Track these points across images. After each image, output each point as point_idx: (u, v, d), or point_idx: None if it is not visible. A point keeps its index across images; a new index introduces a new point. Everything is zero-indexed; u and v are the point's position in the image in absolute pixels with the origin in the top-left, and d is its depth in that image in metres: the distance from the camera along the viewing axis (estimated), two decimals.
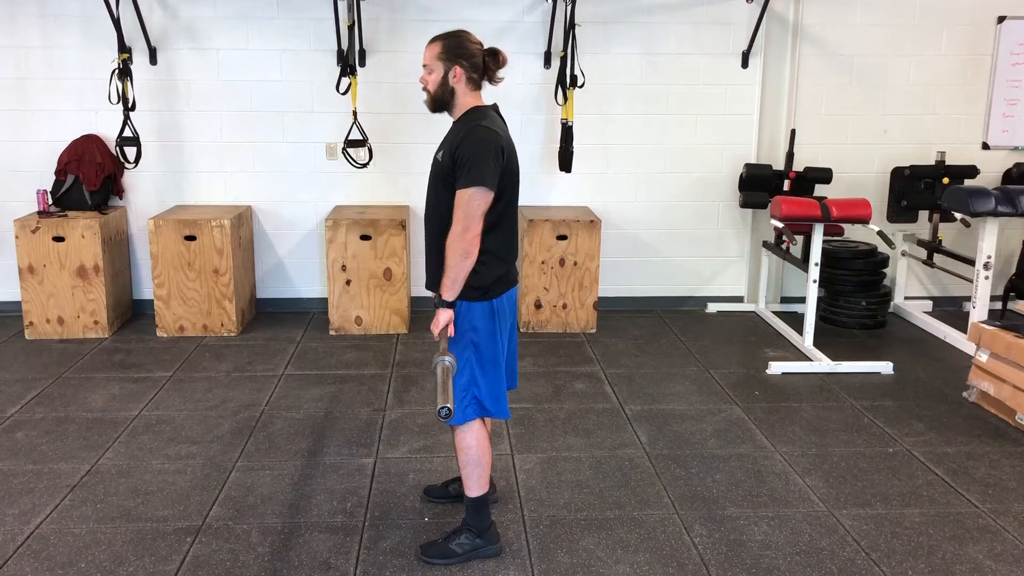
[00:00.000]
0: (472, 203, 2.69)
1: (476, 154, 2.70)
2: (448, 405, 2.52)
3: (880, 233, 5.14)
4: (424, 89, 2.91)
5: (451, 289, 2.75)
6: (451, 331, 2.80)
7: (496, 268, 2.84)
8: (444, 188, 2.79)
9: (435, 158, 2.87)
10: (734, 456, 3.78)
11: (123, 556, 2.96)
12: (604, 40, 5.68)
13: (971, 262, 5.26)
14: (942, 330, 5.52)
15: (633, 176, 5.93)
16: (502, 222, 2.84)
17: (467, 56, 2.82)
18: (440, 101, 2.88)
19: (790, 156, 5.74)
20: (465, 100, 2.86)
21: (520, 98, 5.74)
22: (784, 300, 6.18)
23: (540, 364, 4.93)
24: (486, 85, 2.94)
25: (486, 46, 2.89)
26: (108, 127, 5.50)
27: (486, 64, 2.86)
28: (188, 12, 5.49)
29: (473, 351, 2.86)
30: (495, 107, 2.93)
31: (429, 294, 2.91)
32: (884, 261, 5.73)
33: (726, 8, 5.71)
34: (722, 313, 6.06)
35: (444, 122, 5.48)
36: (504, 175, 2.77)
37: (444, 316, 2.77)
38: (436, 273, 2.82)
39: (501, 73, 2.90)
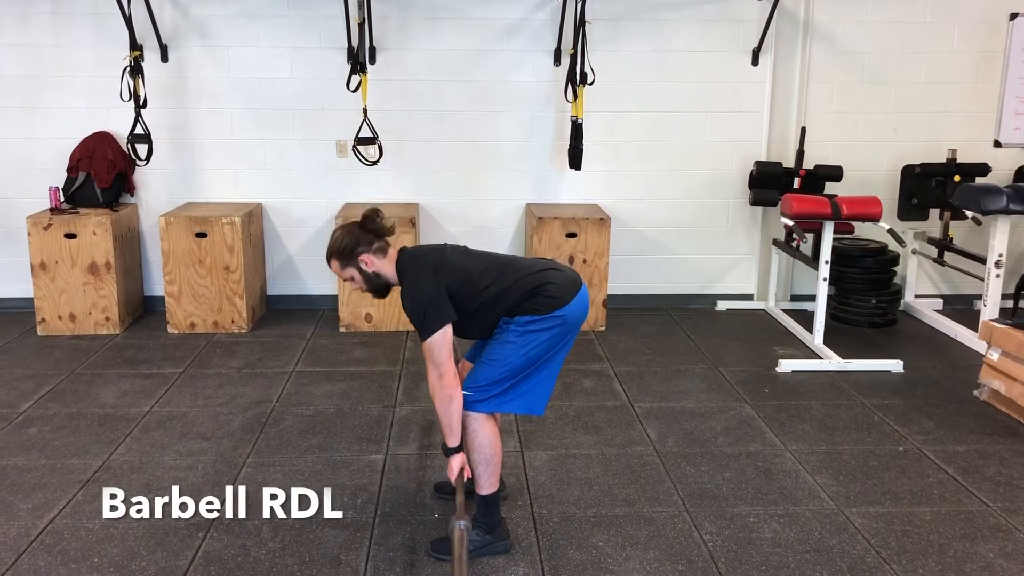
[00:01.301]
0: (434, 351, 2.80)
1: (415, 307, 2.83)
2: None
3: (891, 231, 5.12)
4: (363, 291, 3.04)
5: (451, 436, 2.87)
6: (467, 473, 2.90)
7: (542, 291, 2.88)
8: None
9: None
10: (744, 454, 3.78)
11: (135, 550, 2.98)
12: (614, 37, 5.68)
13: (982, 260, 5.24)
14: (953, 328, 5.50)
15: (643, 174, 5.92)
16: (493, 291, 2.88)
17: (356, 243, 2.95)
18: (380, 288, 3.03)
19: (800, 154, 5.73)
20: (388, 269, 2.97)
21: (530, 96, 5.74)
22: (794, 298, 6.17)
23: None
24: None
25: (362, 214, 2.98)
26: (119, 124, 5.52)
27: (372, 231, 2.95)
28: (199, 10, 5.51)
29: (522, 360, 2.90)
30: (400, 252, 3.00)
31: None
32: (895, 259, 5.71)
33: (736, 5, 5.69)
34: (732, 311, 6.05)
35: (453, 118, 5.50)
36: (453, 291, 2.83)
37: (456, 463, 2.89)
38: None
39: (388, 222, 2.99)
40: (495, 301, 2.88)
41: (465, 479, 2.92)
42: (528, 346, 2.86)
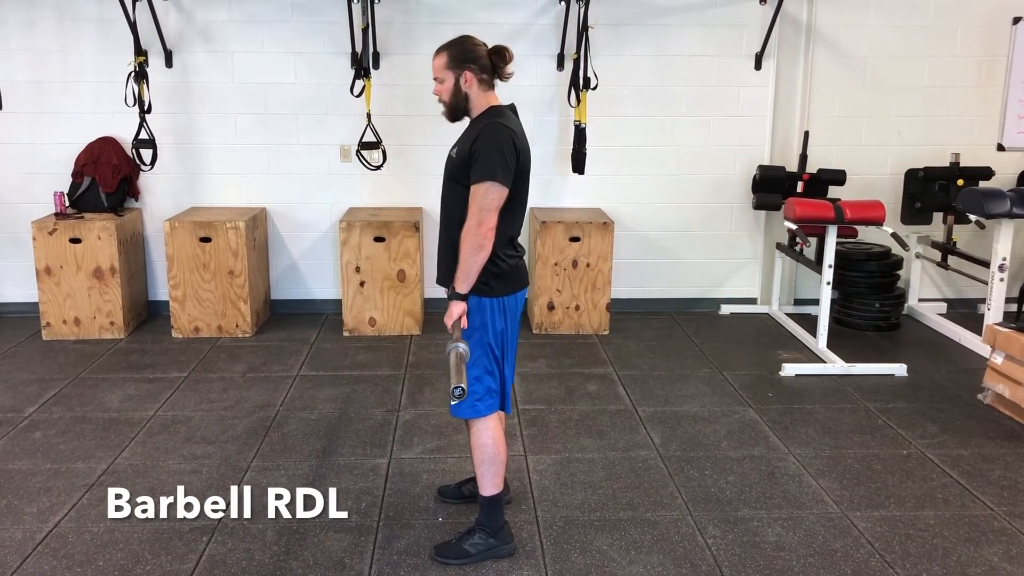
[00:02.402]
0: (487, 197, 2.71)
1: (492, 150, 2.73)
2: (462, 385, 2.57)
3: (894, 235, 5.12)
4: (440, 101, 2.94)
5: (464, 281, 2.77)
6: (464, 322, 2.82)
7: (509, 265, 2.88)
8: (458, 184, 2.82)
9: (449, 155, 2.90)
10: (748, 458, 3.78)
11: (140, 554, 2.99)
12: (617, 42, 5.69)
13: (986, 264, 5.24)
14: (957, 332, 5.50)
15: (646, 178, 5.93)
16: (504, 219, 2.84)
17: (474, 59, 2.85)
18: (457, 108, 2.92)
19: (803, 158, 5.73)
20: (480, 101, 2.89)
21: (533, 100, 5.75)
22: (797, 302, 6.16)
23: (553, 365, 4.94)
24: (498, 83, 2.95)
25: (492, 46, 2.89)
26: (124, 129, 5.54)
27: (494, 63, 2.88)
28: (203, 16, 5.53)
29: (486, 345, 2.89)
30: (512, 107, 2.96)
31: (442, 293, 2.92)
32: (898, 263, 5.71)
33: (739, 10, 5.70)
34: (735, 315, 6.05)
35: (459, 124, 5.44)
36: (516, 174, 2.79)
37: (457, 308, 2.80)
38: (449, 269, 2.85)
39: (510, 69, 2.91)
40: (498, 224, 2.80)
41: (463, 325, 2.82)
42: (481, 334, 2.86)
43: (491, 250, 2.77)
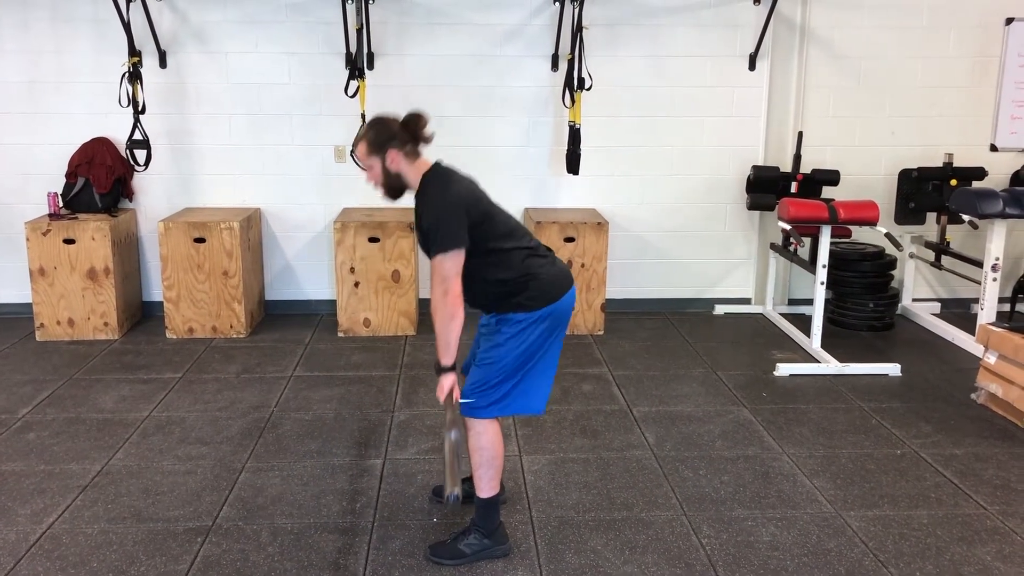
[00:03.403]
0: (444, 268, 2.75)
1: (435, 223, 2.78)
2: (457, 492, 2.62)
3: (888, 235, 5.14)
4: (376, 187, 2.97)
5: (446, 353, 2.81)
6: (456, 395, 2.85)
7: (537, 280, 2.87)
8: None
9: (416, 225, 2.94)
10: (742, 458, 3.79)
11: (134, 556, 2.98)
12: (611, 43, 5.70)
13: (979, 264, 5.25)
14: (950, 332, 5.51)
15: (640, 178, 5.93)
16: (505, 245, 2.86)
17: (392, 137, 2.87)
18: (394, 188, 2.95)
19: (797, 158, 5.75)
20: (413, 173, 2.90)
21: (528, 101, 5.75)
22: (791, 302, 6.18)
23: None
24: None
25: (403, 117, 2.91)
26: (118, 130, 5.53)
27: (412, 133, 2.90)
28: (197, 16, 5.53)
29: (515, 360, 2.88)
30: (437, 164, 2.95)
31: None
32: (892, 263, 5.72)
33: (733, 10, 5.71)
34: (729, 315, 6.06)
35: (451, 123, 5.51)
36: (475, 221, 2.80)
37: (447, 382, 2.83)
38: (476, 295, 2.90)
39: (428, 131, 2.93)
40: (498, 261, 2.83)
41: (455, 400, 2.85)
42: (522, 345, 2.85)
43: (502, 279, 2.82)
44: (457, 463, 2.72)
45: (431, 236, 2.77)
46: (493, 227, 2.86)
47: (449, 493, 2.66)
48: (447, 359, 2.81)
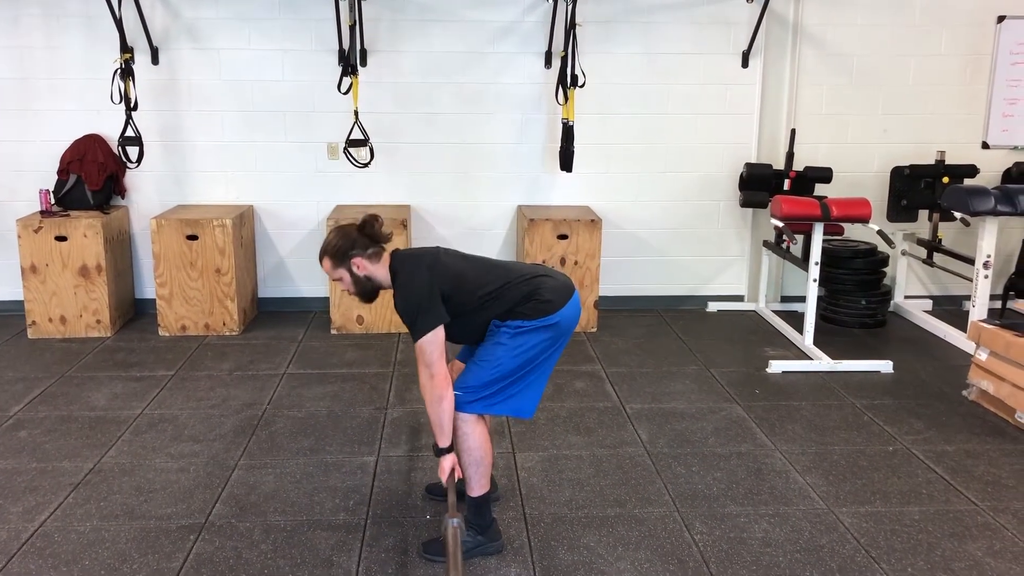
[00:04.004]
0: (426, 351, 2.80)
1: (408, 308, 2.84)
2: None
3: (880, 232, 5.15)
4: (351, 295, 3.04)
5: (442, 436, 2.86)
6: (458, 473, 2.90)
7: (534, 296, 2.89)
8: None
9: None
10: (734, 454, 3.80)
11: (127, 553, 2.98)
12: (605, 40, 5.70)
13: (971, 261, 5.27)
14: (942, 329, 5.53)
15: (634, 175, 5.94)
16: (488, 290, 2.89)
17: (352, 246, 2.94)
18: (367, 292, 3.01)
19: (790, 155, 5.76)
20: (381, 273, 2.96)
21: (521, 98, 5.75)
22: (784, 299, 6.19)
23: None
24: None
25: (358, 223, 2.96)
26: (110, 127, 5.52)
27: (370, 236, 2.95)
28: (190, 12, 5.51)
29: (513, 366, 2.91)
30: (394, 253, 2.99)
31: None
32: (884, 260, 5.74)
33: (726, 8, 5.72)
34: (722, 312, 6.07)
35: (444, 120, 5.53)
36: (448, 292, 2.83)
37: (447, 463, 2.89)
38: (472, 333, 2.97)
39: (386, 230, 2.99)
40: (487, 305, 2.89)
41: (456, 479, 2.92)
42: (520, 349, 2.87)
43: (500, 308, 2.86)
44: (459, 553, 2.66)
45: (409, 325, 2.84)
46: (468, 284, 2.90)
47: None
48: (443, 441, 2.86)
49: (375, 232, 2.96)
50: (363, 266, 2.94)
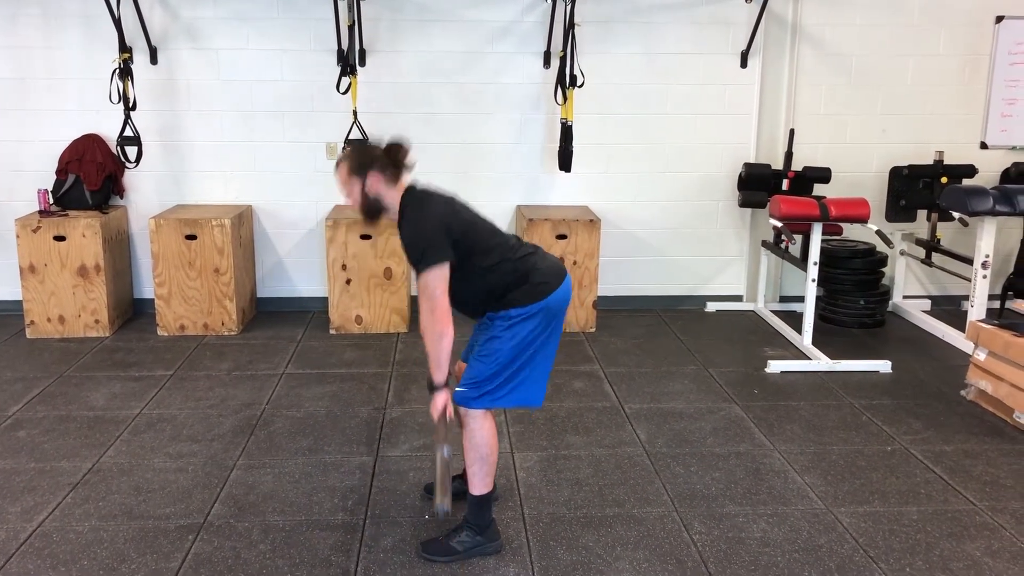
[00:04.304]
0: (430, 285, 2.76)
1: (416, 239, 2.80)
2: (446, 506, 2.63)
3: (879, 232, 5.15)
4: (354, 209, 2.98)
5: (438, 371, 2.82)
6: (450, 412, 2.86)
7: (529, 279, 2.89)
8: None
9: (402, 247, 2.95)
10: (733, 454, 3.80)
11: (125, 553, 2.98)
12: (604, 40, 5.70)
13: (969, 261, 5.28)
14: (940, 329, 5.54)
15: (632, 175, 5.94)
16: (491, 252, 2.87)
17: (373, 161, 2.89)
18: (372, 211, 2.96)
19: (789, 155, 5.76)
20: (392, 196, 2.92)
21: (520, 98, 5.75)
22: (783, 299, 6.20)
23: None
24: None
25: (385, 143, 2.93)
26: (109, 127, 5.52)
27: (393, 159, 2.91)
28: (189, 12, 5.51)
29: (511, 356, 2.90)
30: (412, 186, 2.96)
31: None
32: (883, 260, 5.74)
33: (725, 8, 5.72)
34: (721, 312, 6.07)
35: (443, 120, 5.52)
36: (457, 236, 2.81)
37: (440, 399, 2.84)
38: (473, 305, 2.93)
39: (410, 159, 2.95)
40: (486, 272, 2.85)
41: (448, 417, 2.86)
42: (516, 338, 2.86)
43: (495, 283, 2.83)
44: (448, 477, 2.74)
45: (414, 254, 2.80)
46: (477, 238, 2.88)
47: (438, 505, 2.67)
48: (439, 376, 2.83)
49: (398, 157, 2.92)
50: (377, 185, 2.89)
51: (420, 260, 2.77)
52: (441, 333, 2.77)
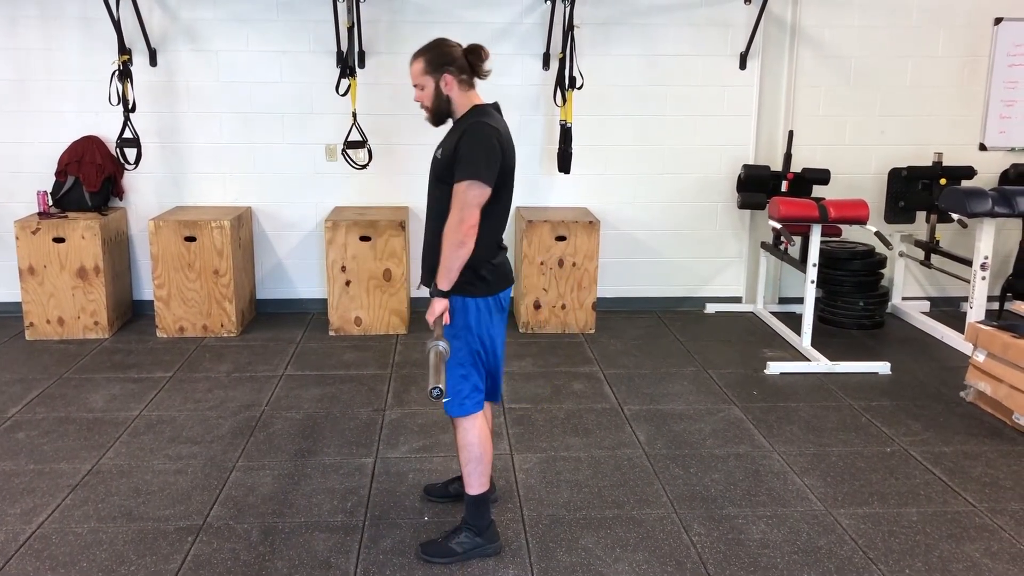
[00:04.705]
0: (468, 194, 2.72)
1: (475, 149, 2.74)
2: (440, 386, 2.59)
3: (878, 234, 5.15)
4: (422, 107, 2.94)
5: (447, 278, 2.79)
6: (447, 319, 2.83)
7: (494, 263, 2.91)
8: (444, 184, 2.83)
9: (435, 156, 2.91)
10: (732, 456, 3.80)
11: (124, 555, 2.98)
12: (603, 41, 5.70)
13: (968, 262, 5.28)
14: (939, 330, 5.54)
15: (632, 177, 5.94)
16: (490, 218, 2.86)
17: (451, 61, 2.85)
18: (440, 112, 2.92)
19: (788, 157, 5.76)
20: (463, 102, 2.89)
21: (519, 99, 5.75)
22: (782, 301, 6.20)
23: (539, 364, 4.95)
24: (479, 82, 2.96)
25: (467, 45, 2.90)
26: (108, 128, 5.52)
27: (471, 63, 2.88)
28: (188, 14, 5.51)
29: (469, 344, 2.91)
30: (495, 105, 2.97)
31: (426, 293, 2.92)
32: (882, 262, 5.74)
33: (724, 9, 5.72)
34: (720, 313, 6.07)
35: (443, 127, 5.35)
36: (500, 173, 2.80)
37: (439, 305, 2.82)
38: (434, 269, 2.86)
39: (487, 66, 2.92)
40: (480, 228, 2.80)
41: (444, 322, 2.84)
42: (470, 331, 2.88)
43: (473, 249, 2.78)
44: (442, 364, 2.68)
45: (466, 160, 2.73)
46: (504, 190, 2.86)
47: (432, 387, 2.59)
48: (445, 284, 2.79)
49: (477, 63, 2.88)
50: (451, 85, 2.85)
51: (468, 169, 2.71)
52: (462, 242, 2.74)
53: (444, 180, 2.82)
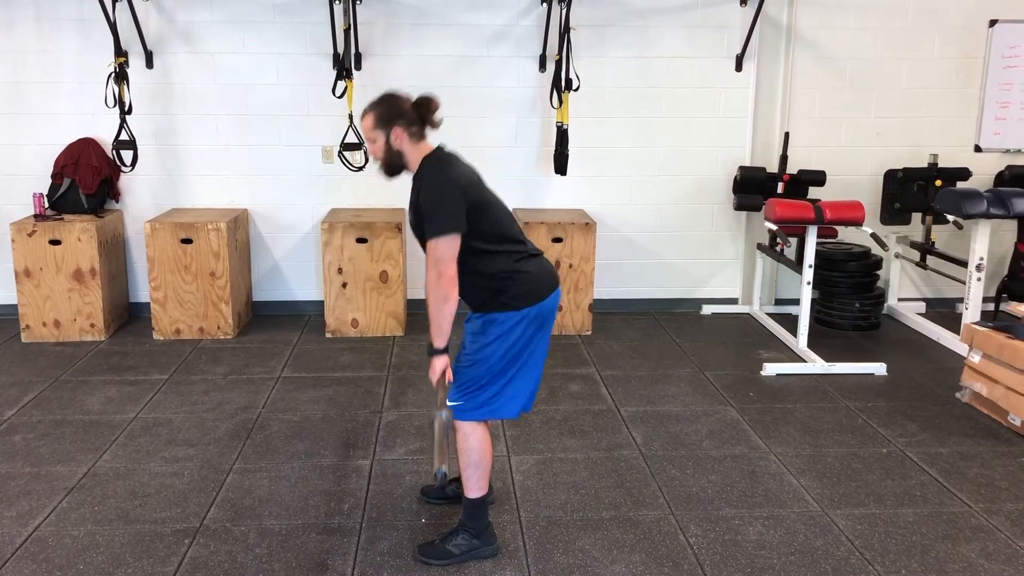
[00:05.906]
0: (439, 250, 2.74)
1: (433, 202, 2.77)
2: (444, 468, 2.62)
3: (873, 235, 5.16)
4: (375, 159, 2.95)
5: (439, 335, 2.81)
6: (449, 376, 2.85)
7: (523, 281, 2.87)
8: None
9: (413, 203, 2.91)
10: (729, 457, 3.81)
11: (121, 558, 2.97)
12: (599, 43, 5.71)
13: (964, 264, 5.29)
14: (935, 331, 5.55)
15: (628, 179, 5.95)
16: (497, 238, 2.86)
17: (400, 115, 2.86)
18: (392, 165, 2.93)
19: (784, 159, 5.78)
20: (414, 155, 2.89)
21: (515, 101, 5.76)
22: (778, 302, 6.21)
23: None
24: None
25: (416, 98, 2.91)
26: (105, 130, 5.51)
27: (421, 115, 2.89)
28: (184, 16, 5.51)
29: (497, 363, 2.88)
30: (440, 148, 2.93)
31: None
32: (877, 263, 5.75)
33: (720, 12, 5.74)
34: (717, 315, 6.08)
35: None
36: (472, 208, 2.78)
37: (439, 363, 2.83)
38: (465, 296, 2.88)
39: (438, 116, 2.92)
40: (483, 255, 2.81)
41: (447, 381, 2.86)
42: (505, 343, 2.85)
43: (479, 282, 2.80)
44: (446, 440, 2.73)
45: (429, 219, 2.75)
46: (488, 215, 2.84)
47: (437, 469, 2.64)
48: (440, 341, 2.81)
49: (426, 114, 2.88)
50: (401, 139, 2.86)
51: (432, 222, 2.73)
52: (445, 297, 2.75)
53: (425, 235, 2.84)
